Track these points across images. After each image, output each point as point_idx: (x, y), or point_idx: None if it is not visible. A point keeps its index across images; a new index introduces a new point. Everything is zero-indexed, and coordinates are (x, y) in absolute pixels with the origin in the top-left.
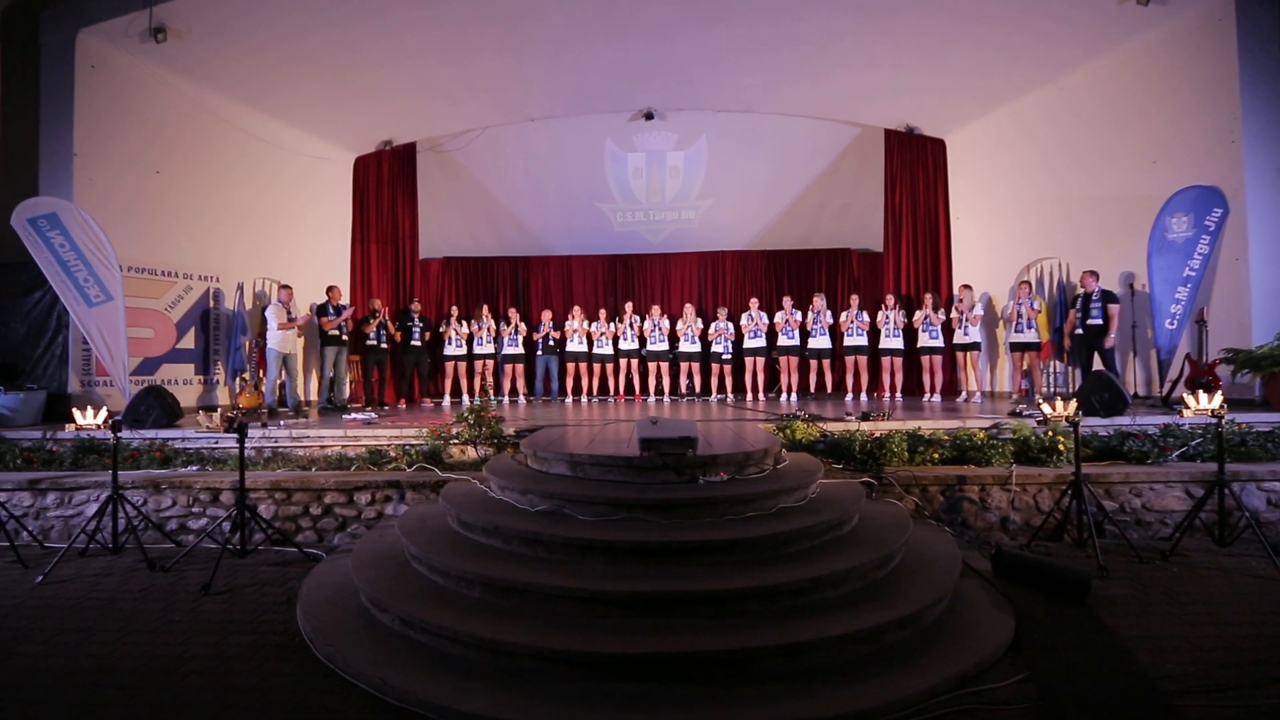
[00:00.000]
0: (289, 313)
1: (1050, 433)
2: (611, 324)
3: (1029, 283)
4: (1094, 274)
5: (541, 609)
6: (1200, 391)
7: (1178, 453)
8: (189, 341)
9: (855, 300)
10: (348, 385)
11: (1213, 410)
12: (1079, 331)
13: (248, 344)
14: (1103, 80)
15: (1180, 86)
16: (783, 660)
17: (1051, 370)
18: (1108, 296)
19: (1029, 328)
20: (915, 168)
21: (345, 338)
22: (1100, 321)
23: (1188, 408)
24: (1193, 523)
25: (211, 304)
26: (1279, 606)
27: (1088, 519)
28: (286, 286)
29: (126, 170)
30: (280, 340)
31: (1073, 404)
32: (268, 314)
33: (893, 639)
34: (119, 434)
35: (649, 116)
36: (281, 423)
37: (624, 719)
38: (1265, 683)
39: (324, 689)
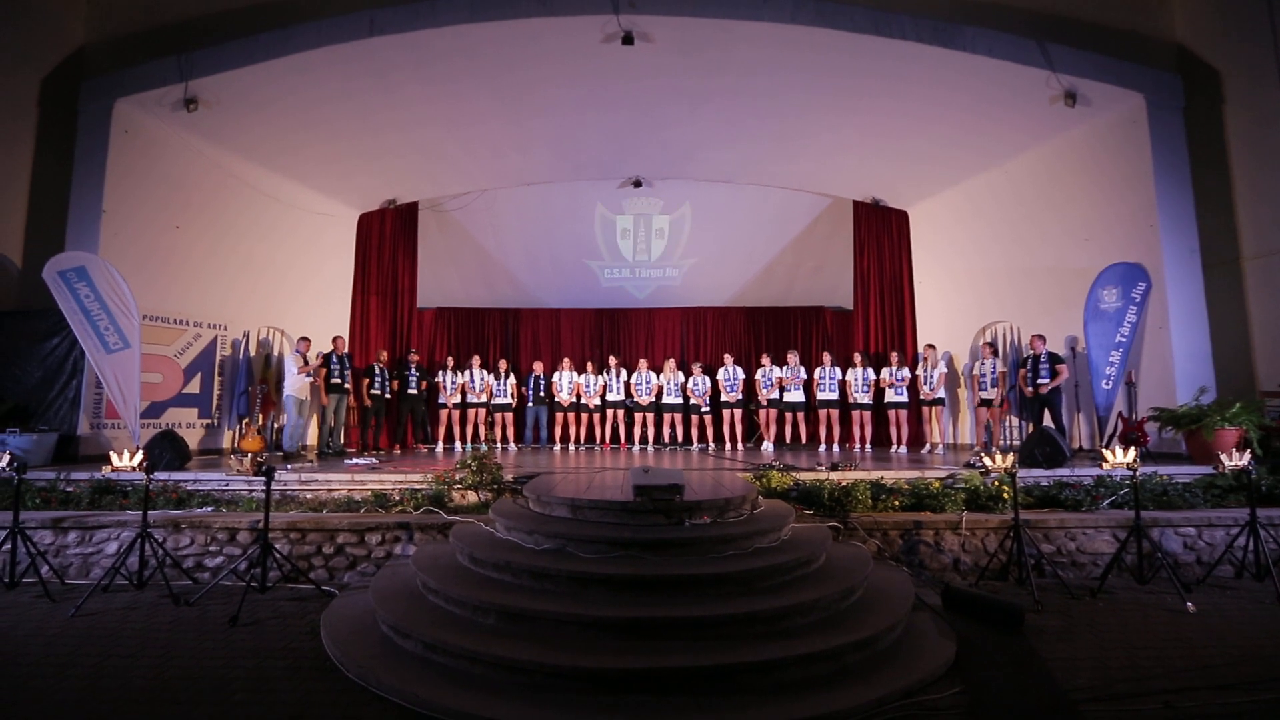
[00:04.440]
0: (305, 361)
1: (997, 483)
2: (599, 377)
3: (991, 344)
4: (1041, 337)
5: (550, 633)
6: (1117, 447)
7: (1108, 501)
8: (194, 386)
9: (828, 357)
10: (343, 431)
11: (1127, 464)
12: (1030, 390)
13: (253, 390)
14: (1040, 167)
15: (1104, 175)
16: (757, 675)
17: (1009, 425)
18: (1054, 358)
19: (992, 386)
20: (881, 236)
21: (347, 386)
22: (1048, 380)
23: (1106, 461)
24: (1119, 563)
25: (218, 351)
26: (1181, 634)
27: (1025, 559)
28: (305, 338)
29: (149, 225)
30: (298, 387)
31: (1011, 457)
32: (287, 362)
33: (851, 659)
34: (152, 475)
35: (637, 184)
36: (289, 466)
37: None
38: (1154, 693)
39: (361, 702)
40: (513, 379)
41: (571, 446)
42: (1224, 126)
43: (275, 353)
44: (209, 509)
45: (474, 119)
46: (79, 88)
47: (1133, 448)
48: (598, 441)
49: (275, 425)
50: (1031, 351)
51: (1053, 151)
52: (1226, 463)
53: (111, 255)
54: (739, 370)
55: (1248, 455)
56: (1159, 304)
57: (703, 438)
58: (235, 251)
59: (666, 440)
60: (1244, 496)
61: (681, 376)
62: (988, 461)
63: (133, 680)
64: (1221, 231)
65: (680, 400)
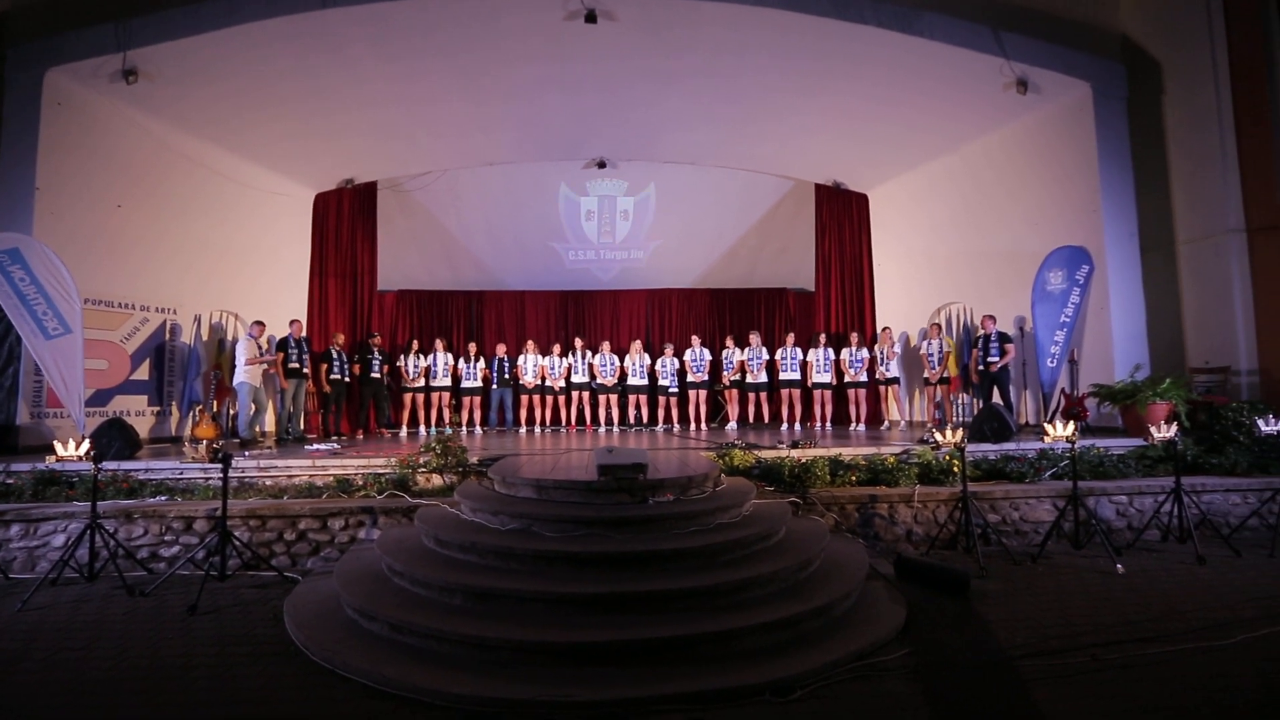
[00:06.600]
0: (260, 348)
1: (948, 457)
2: (565, 359)
3: (938, 325)
4: (992, 318)
5: (516, 611)
6: (1059, 422)
7: (1049, 473)
8: (143, 373)
9: (790, 339)
10: (303, 417)
11: (1067, 437)
12: (981, 368)
13: (206, 375)
14: (993, 152)
15: (1052, 161)
16: (719, 645)
17: (960, 401)
18: (1004, 338)
19: (939, 364)
20: (842, 218)
21: (306, 371)
22: (998, 359)
23: (1047, 435)
24: (1058, 530)
25: (168, 336)
26: (1110, 594)
27: (973, 529)
28: (259, 322)
29: (89, 205)
30: (251, 374)
31: (960, 432)
32: (238, 348)
33: (808, 627)
34: (100, 465)
35: (602, 165)
36: (247, 453)
37: (590, 693)
38: (1082, 647)
39: (327, 684)
40: (481, 362)
41: (537, 429)
42: (1163, 116)
43: (229, 337)
44: (163, 498)
45: (434, 97)
46: (5, 55)
47: (1073, 422)
48: (563, 423)
49: (230, 412)
50: (983, 331)
51: (1006, 137)
52: (1156, 434)
53: (48, 236)
54: (706, 352)
55: (1175, 427)
56: (1100, 286)
57: (668, 418)
58: (184, 232)
59: (632, 421)
60: (1171, 466)
61: (647, 358)
62: (939, 437)
63: (87, 672)
64: (1158, 217)
65: (645, 381)
